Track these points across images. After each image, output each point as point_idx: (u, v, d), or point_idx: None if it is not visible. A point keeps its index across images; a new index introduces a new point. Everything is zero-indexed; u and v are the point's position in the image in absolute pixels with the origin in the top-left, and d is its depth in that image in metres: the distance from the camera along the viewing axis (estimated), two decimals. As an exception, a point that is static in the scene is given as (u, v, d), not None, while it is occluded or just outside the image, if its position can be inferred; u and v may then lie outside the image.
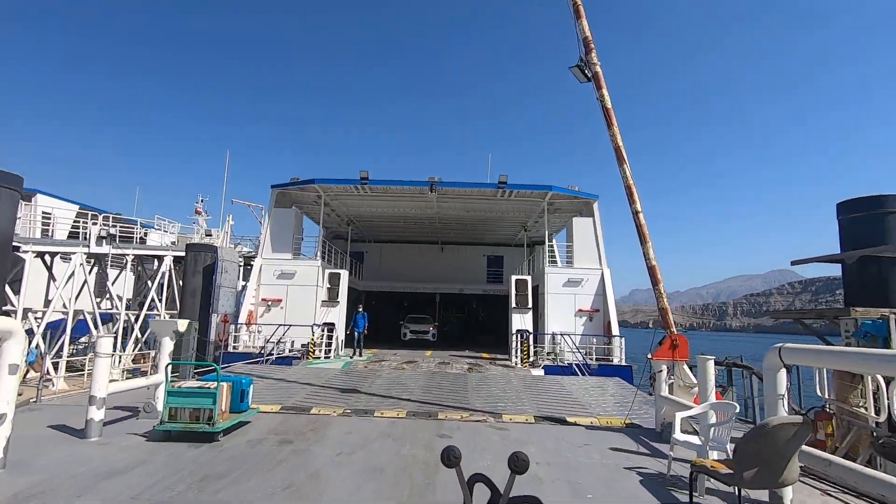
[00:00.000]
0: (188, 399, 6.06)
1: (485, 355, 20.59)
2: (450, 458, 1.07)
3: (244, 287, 21.30)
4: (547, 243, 21.44)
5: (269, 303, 20.45)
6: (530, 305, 18.58)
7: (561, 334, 18.66)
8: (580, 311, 20.36)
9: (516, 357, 15.94)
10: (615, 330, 19.42)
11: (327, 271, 19.44)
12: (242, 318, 19.68)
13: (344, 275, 19.45)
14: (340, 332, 18.32)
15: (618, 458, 6.01)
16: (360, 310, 18.70)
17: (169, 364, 6.68)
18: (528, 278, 19.20)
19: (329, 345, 17.26)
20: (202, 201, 30.21)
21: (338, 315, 18.28)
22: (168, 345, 7.28)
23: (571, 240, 21.39)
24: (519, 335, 16.53)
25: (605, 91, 7.92)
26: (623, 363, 18.01)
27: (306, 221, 27.66)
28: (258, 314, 20.57)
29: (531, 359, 14.63)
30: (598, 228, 21.34)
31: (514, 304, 18.43)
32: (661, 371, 7.20)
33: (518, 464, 1.01)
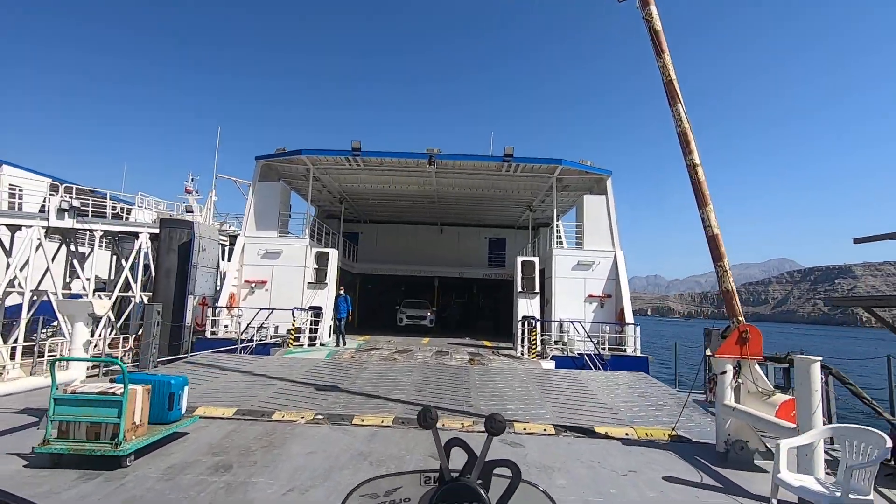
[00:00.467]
0: (85, 409, 4.36)
1: (487, 343, 18.96)
2: (426, 419, 0.91)
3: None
4: (555, 222, 19.67)
5: (253, 284, 18.74)
6: (538, 290, 16.88)
7: (570, 322, 17.00)
8: (590, 296, 18.68)
9: (522, 347, 14.30)
10: (629, 317, 17.76)
11: (314, 250, 17.69)
12: (223, 301, 17.99)
13: (333, 254, 17.70)
14: (329, 317, 16.64)
15: (682, 494, 4.33)
16: (342, 292, 16.71)
17: (57, 360, 4.95)
18: (536, 260, 17.47)
19: (315, 331, 15.59)
20: (192, 179, 28.37)
21: (325, 298, 16.57)
22: (81, 331, 5.55)
23: (582, 219, 19.62)
24: (525, 323, 14.84)
25: (652, 8, 6.10)
26: (638, 353, 16.39)
27: (296, 198, 25.86)
28: (241, 297, 18.89)
29: (539, 349, 12.95)
30: (611, 207, 19.56)
31: (519, 289, 16.72)
32: (724, 372, 5.49)
33: (494, 425, 0.90)
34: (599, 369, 14.50)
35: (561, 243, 21.98)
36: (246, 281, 18.88)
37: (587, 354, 15.19)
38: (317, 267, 17.08)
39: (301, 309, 15.90)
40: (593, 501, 4.07)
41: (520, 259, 17.39)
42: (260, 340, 15.39)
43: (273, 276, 18.75)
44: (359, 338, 19.87)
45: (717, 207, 5.87)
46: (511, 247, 30.71)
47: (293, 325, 14.30)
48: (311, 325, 15.45)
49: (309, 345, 14.63)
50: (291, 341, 13.56)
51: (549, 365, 12.32)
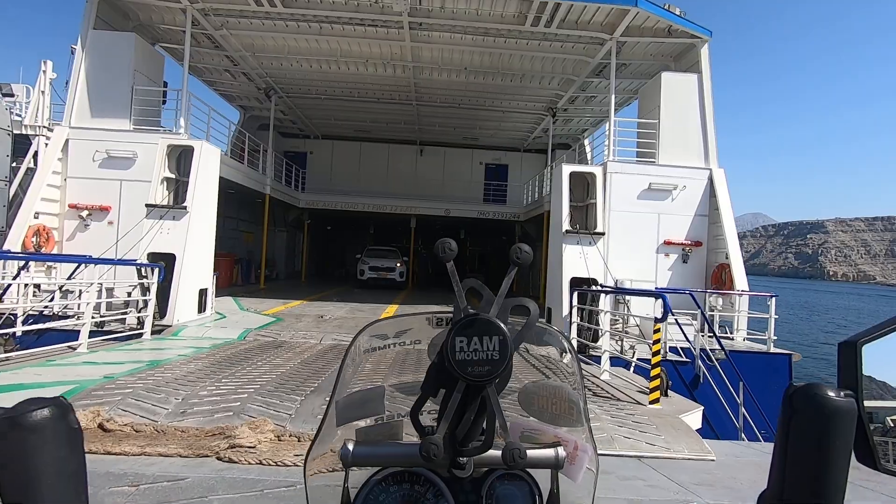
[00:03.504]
0: None
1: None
2: (444, 249, 0.73)
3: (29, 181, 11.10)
4: (612, 115, 11.57)
5: (85, 212, 10.53)
6: (601, 228, 9.02)
7: (652, 293, 9.44)
8: (668, 243, 11.12)
9: (592, 348, 6.57)
10: (740, 281, 10.29)
11: (165, 144, 9.24)
12: (16, 241, 9.81)
13: (206, 152, 9.37)
14: (195, 277, 8.53)
15: None
16: None
17: None
18: (597, 171, 9.47)
19: (161, 310, 7.63)
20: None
21: (184, 236, 8.39)
22: None
23: (657, 114, 11.65)
24: (590, 297, 7.10)
25: None
26: (772, 349, 9.01)
27: (204, 92, 17.15)
28: (64, 234, 10.72)
29: (662, 376, 5.10)
30: (706, 93, 11.62)
31: (566, 227, 8.79)
32: None
33: (521, 255, 0.73)
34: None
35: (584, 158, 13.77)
36: (72, 206, 10.63)
37: (681, 348, 7.79)
38: (169, 176, 8.84)
39: (106, 262, 7.73)
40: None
41: (567, 169, 9.34)
42: (56, 321, 7.42)
43: (122, 199, 10.48)
44: (280, 305, 12.01)
45: None
46: (515, 176, 22.72)
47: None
48: (142, 294, 7.43)
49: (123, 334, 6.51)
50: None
51: (694, 418, 4.61)
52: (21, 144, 14.44)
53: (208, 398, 4.29)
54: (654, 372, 4.58)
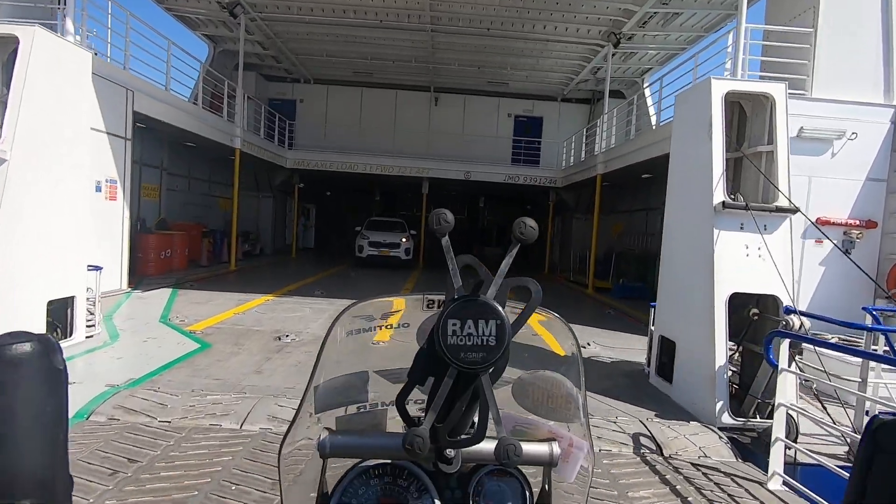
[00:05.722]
0: None
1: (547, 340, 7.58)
2: (439, 220, 0.66)
3: None
4: (744, 13, 7.26)
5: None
6: (792, 203, 4.98)
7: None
8: (822, 222, 7.20)
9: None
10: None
11: None
12: None
13: (46, 47, 5.18)
14: (33, 281, 4.69)
15: None
16: None
17: None
18: (778, 93, 5.33)
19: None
20: None
21: (16, 213, 4.47)
22: None
23: (809, 21, 7.47)
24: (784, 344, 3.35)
25: None
26: None
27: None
28: None
29: None
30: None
31: (721, 198, 4.67)
32: None
33: (524, 231, 0.66)
34: None
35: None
36: None
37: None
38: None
39: None
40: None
41: (721, 87, 5.09)
42: None
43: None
44: (233, 306, 8.19)
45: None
46: (551, 131, 18.47)
47: None
48: None
49: None
50: None
51: None
52: None
53: None
54: None
